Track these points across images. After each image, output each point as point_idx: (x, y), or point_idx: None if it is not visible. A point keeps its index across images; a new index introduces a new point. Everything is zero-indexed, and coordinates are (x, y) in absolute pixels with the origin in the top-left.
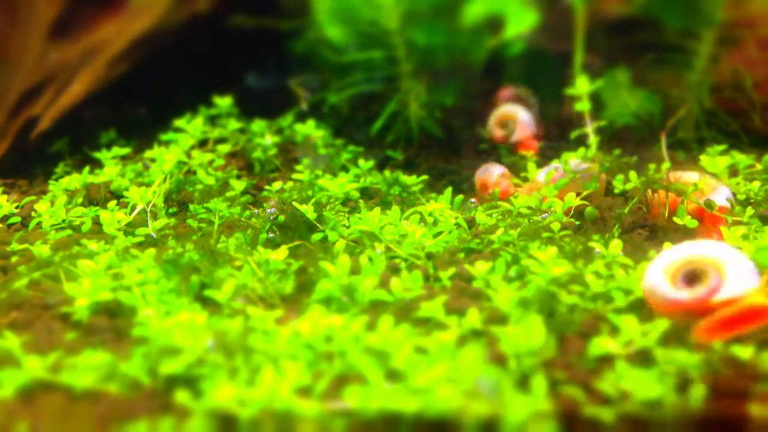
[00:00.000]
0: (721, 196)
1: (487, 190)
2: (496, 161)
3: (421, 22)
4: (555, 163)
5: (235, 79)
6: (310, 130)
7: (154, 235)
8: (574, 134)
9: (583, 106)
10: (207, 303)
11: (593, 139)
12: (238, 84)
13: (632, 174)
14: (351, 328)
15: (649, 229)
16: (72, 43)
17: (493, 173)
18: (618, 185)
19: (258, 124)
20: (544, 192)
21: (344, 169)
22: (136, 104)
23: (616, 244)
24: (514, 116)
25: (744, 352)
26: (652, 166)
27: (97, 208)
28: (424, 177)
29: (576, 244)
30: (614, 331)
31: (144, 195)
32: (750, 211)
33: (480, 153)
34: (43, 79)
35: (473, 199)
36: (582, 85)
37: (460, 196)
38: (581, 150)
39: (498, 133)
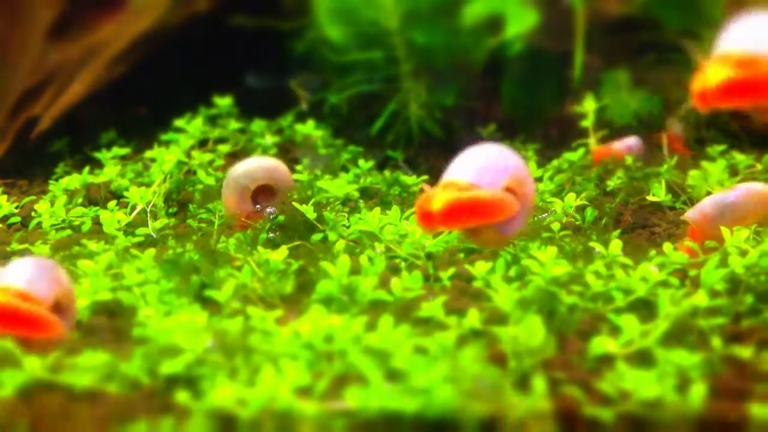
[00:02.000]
0: None
1: None
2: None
3: (421, 22)
4: None
5: (235, 79)
6: (310, 130)
7: (154, 235)
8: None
9: (588, 122)
10: (207, 303)
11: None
12: (238, 84)
13: (620, 171)
14: (351, 328)
15: (649, 230)
16: (72, 43)
17: None
18: (612, 183)
19: (258, 124)
20: None
21: (344, 169)
22: (136, 104)
23: (616, 244)
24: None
25: (744, 352)
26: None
27: (97, 208)
28: (424, 177)
29: (576, 244)
30: (614, 331)
31: (144, 195)
32: None
33: None
34: (43, 79)
35: None
36: (589, 104)
37: None
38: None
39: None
